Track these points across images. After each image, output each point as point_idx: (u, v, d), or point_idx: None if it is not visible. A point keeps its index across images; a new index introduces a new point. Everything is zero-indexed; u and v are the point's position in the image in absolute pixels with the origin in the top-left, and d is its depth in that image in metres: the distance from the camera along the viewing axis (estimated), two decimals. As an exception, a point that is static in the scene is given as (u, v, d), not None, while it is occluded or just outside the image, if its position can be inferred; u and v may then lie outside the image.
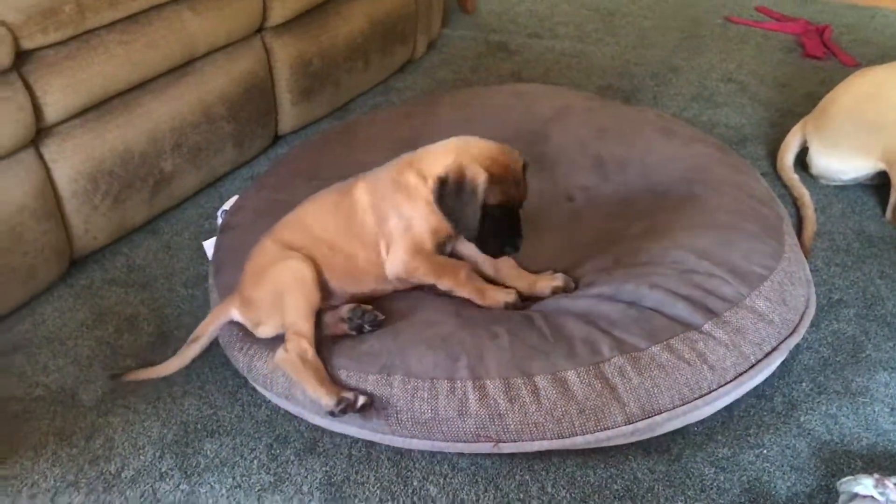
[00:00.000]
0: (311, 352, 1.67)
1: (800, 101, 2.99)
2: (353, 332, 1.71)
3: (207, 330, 1.82)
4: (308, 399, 1.66)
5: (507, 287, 1.78)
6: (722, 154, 2.19)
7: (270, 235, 1.82)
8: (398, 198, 1.73)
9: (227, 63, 2.48)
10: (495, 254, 1.74)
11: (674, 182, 2.04)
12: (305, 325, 1.68)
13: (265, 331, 1.74)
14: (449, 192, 1.66)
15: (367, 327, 1.71)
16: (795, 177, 2.47)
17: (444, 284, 1.75)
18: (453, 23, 3.72)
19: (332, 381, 1.65)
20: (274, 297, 1.71)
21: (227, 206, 2.30)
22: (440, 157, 1.71)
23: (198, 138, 2.43)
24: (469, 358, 1.63)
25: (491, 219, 1.69)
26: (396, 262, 1.74)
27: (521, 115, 2.40)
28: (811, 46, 3.35)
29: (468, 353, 1.63)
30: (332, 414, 1.61)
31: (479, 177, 1.64)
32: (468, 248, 1.80)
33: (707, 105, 3.00)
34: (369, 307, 1.73)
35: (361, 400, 1.61)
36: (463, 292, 1.75)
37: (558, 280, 1.79)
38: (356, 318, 1.71)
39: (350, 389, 1.63)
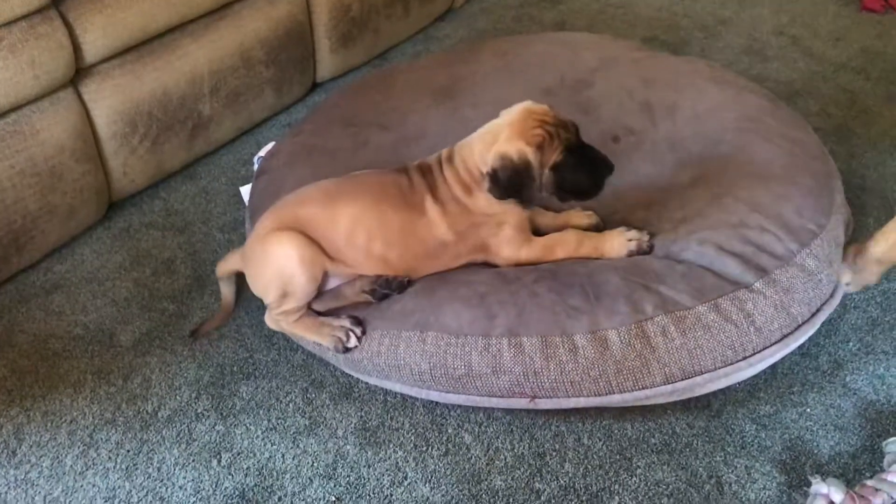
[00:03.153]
0: (298, 315, 1.67)
1: (855, 55, 2.88)
2: (377, 301, 1.68)
3: (221, 274, 1.85)
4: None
5: (621, 231, 1.72)
6: (774, 106, 2.11)
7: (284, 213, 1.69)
8: (473, 218, 1.67)
9: (266, 6, 2.44)
10: (596, 189, 1.67)
11: (725, 131, 1.98)
12: (299, 309, 1.67)
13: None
14: (504, 183, 1.61)
15: (394, 294, 1.68)
16: None
17: (559, 256, 1.72)
18: (496, -29, 3.63)
19: (322, 314, 1.69)
20: (272, 280, 1.65)
21: (262, 152, 2.29)
22: (479, 151, 1.64)
23: (236, 83, 2.41)
24: (507, 316, 1.60)
25: (569, 169, 1.64)
26: (505, 263, 1.71)
27: (565, 64, 2.34)
28: (869, -1, 3.21)
29: (507, 311, 1.60)
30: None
31: (525, 151, 1.60)
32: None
33: (757, 59, 2.90)
34: (392, 274, 1.68)
35: (353, 340, 1.64)
36: (583, 255, 1.71)
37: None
38: (381, 289, 1.67)
39: (341, 325, 1.65)
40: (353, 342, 1.65)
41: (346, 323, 1.67)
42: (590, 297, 1.62)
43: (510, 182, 1.61)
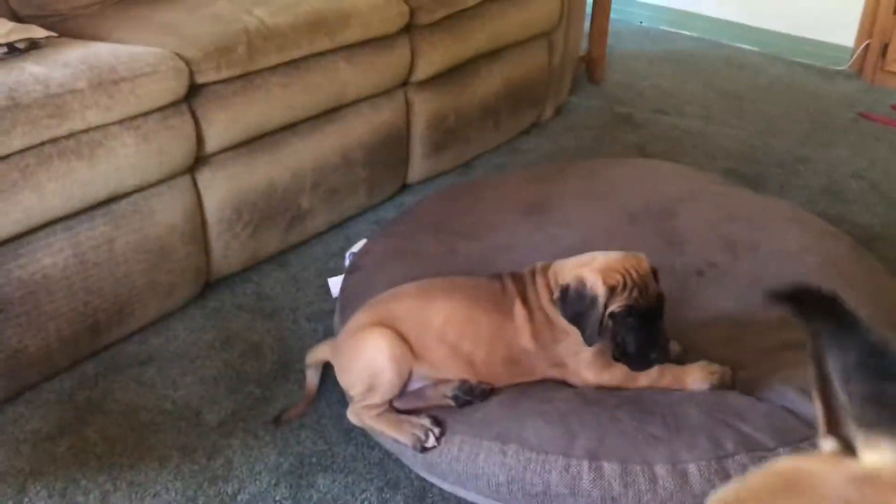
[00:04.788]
0: (381, 410, 1.73)
1: (934, 205, 2.92)
2: (458, 407, 1.72)
3: (311, 362, 1.94)
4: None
5: (704, 365, 1.75)
6: (855, 252, 2.16)
7: (377, 314, 1.76)
8: (556, 333, 1.73)
9: (370, 112, 2.60)
10: (640, 366, 1.71)
11: (807, 273, 2.01)
12: (384, 403, 1.73)
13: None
14: (571, 301, 1.67)
15: (476, 402, 1.72)
16: None
17: (641, 384, 1.74)
18: (580, 91, 3.79)
19: (404, 412, 1.73)
20: (361, 373, 1.73)
21: (355, 248, 2.39)
22: (569, 270, 1.72)
23: (335, 180, 2.54)
24: (588, 437, 1.62)
25: (624, 328, 1.67)
26: (588, 384, 1.75)
27: (649, 191, 2.42)
28: (949, 151, 3.26)
29: (588, 433, 1.63)
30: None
31: (598, 287, 1.65)
32: None
33: (836, 200, 2.96)
34: (475, 381, 1.73)
35: (431, 440, 1.67)
36: (664, 385, 1.74)
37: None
38: (463, 396, 1.72)
39: (421, 424, 1.69)
40: (431, 442, 1.69)
41: (427, 422, 1.71)
42: (670, 427, 1.64)
43: (576, 303, 1.67)
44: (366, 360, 1.71)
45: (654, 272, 1.72)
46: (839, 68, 4.10)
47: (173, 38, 2.12)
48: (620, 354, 1.71)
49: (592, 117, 3.57)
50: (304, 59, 2.33)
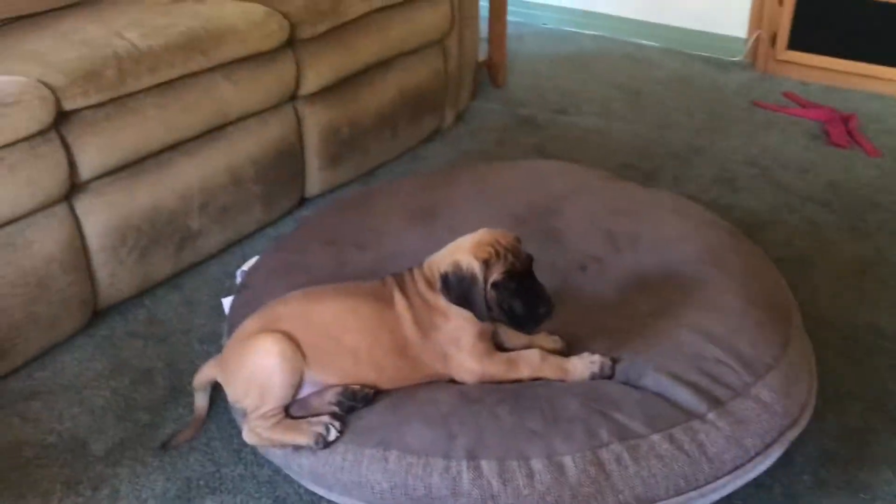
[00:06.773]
0: (277, 419, 1.71)
1: (821, 188, 3.02)
2: (343, 413, 1.73)
3: (198, 385, 1.91)
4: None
5: (584, 356, 1.80)
6: (734, 239, 2.22)
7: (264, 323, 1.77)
8: (435, 318, 1.77)
9: (258, 128, 2.59)
10: (532, 326, 1.77)
11: (685, 262, 2.07)
12: (278, 411, 1.72)
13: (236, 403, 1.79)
14: (453, 286, 1.74)
15: (359, 407, 1.73)
16: None
17: (523, 375, 1.78)
18: (482, 95, 3.82)
19: (299, 418, 1.72)
20: (250, 380, 1.72)
21: (246, 266, 2.38)
22: (442, 261, 1.79)
23: (226, 199, 2.52)
24: (467, 437, 1.64)
25: (507, 294, 1.73)
26: (468, 376, 1.78)
27: (535, 191, 2.46)
28: (835, 135, 3.38)
29: (467, 433, 1.65)
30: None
31: (473, 264, 1.73)
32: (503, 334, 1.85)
33: (727, 188, 3.04)
34: (358, 386, 1.74)
35: (333, 433, 1.67)
36: (546, 374, 1.78)
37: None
38: (347, 401, 1.73)
39: (320, 421, 1.69)
40: (333, 435, 1.68)
41: (325, 419, 1.70)
42: (548, 420, 1.67)
43: (458, 287, 1.73)
44: (254, 365, 1.71)
45: (518, 240, 1.79)
46: (735, 59, 4.22)
47: (38, 65, 2.08)
48: (510, 320, 1.76)
49: (494, 121, 3.61)
50: (181, 79, 2.31)
